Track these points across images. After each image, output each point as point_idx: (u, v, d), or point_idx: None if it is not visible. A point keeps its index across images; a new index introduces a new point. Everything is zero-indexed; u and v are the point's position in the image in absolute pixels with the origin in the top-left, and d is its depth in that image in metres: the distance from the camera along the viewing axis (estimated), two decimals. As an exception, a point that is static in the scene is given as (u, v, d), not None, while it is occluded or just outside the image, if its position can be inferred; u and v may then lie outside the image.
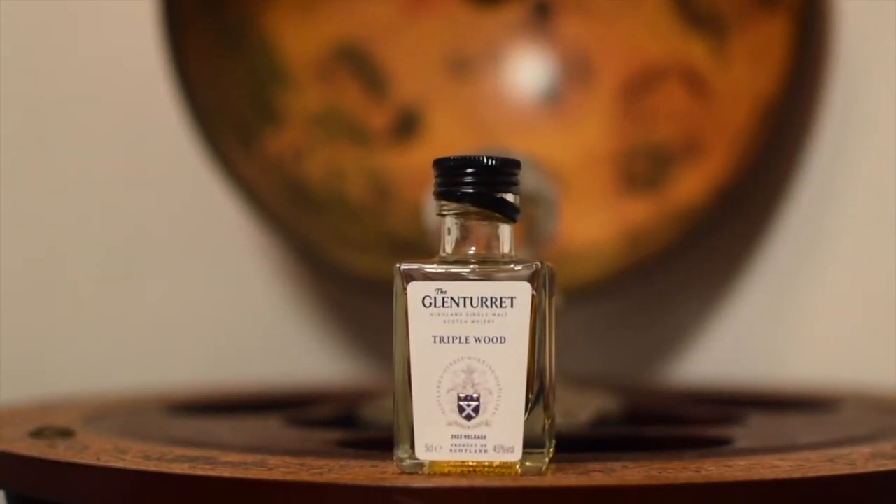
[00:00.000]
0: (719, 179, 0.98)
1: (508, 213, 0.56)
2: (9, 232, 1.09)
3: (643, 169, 1.02)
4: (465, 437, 0.55)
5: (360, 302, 1.08)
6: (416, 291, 0.55)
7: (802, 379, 0.98)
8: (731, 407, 0.84)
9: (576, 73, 1.05)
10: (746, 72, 0.99)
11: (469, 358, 0.55)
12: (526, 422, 0.55)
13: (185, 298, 1.13)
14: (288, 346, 1.14)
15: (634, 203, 1.01)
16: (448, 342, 0.55)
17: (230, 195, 1.01)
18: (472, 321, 0.55)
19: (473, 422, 0.55)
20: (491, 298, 0.55)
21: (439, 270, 0.55)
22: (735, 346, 1.03)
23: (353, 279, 1.01)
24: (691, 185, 1.00)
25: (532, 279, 0.55)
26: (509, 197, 0.56)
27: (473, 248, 0.56)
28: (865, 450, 0.63)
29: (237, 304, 1.14)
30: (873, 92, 0.97)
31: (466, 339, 0.55)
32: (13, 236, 1.09)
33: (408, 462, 0.55)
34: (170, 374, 1.09)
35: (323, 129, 1.05)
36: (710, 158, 0.99)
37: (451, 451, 0.55)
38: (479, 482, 0.53)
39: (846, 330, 0.98)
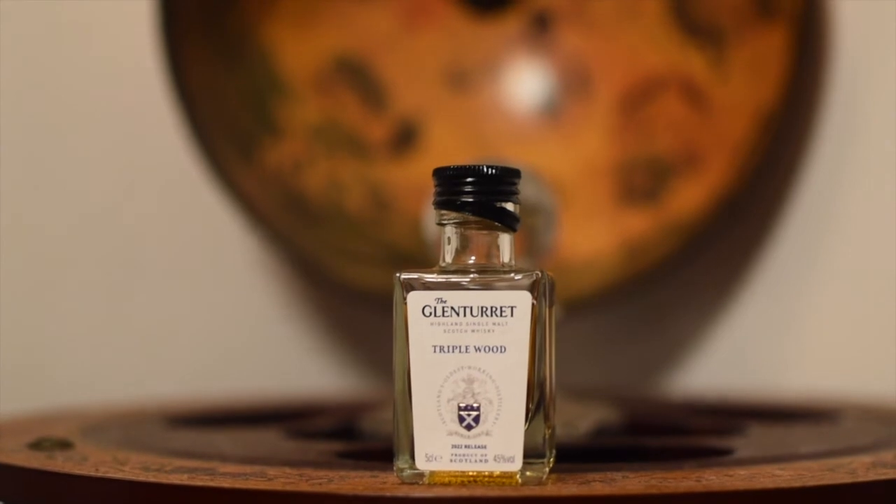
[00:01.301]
0: (718, 191, 0.98)
1: (508, 222, 0.56)
2: (6, 242, 1.09)
3: (642, 181, 1.02)
4: (466, 446, 0.55)
5: (360, 313, 1.08)
6: (416, 301, 0.55)
7: (803, 389, 0.98)
8: (731, 417, 0.83)
9: (575, 85, 1.05)
10: (745, 83, 0.99)
11: (469, 367, 0.55)
12: (526, 431, 0.54)
13: (184, 310, 1.12)
14: (287, 358, 1.14)
15: (634, 215, 1.01)
16: (448, 352, 0.55)
17: (229, 207, 1.01)
18: (473, 330, 0.55)
19: (474, 431, 0.55)
20: (491, 308, 0.55)
21: (439, 280, 0.55)
22: (735, 357, 1.03)
23: (352, 291, 1.01)
24: (690, 196, 0.99)
25: (532, 288, 0.55)
26: (509, 206, 0.56)
27: (473, 258, 0.56)
28: (866, 459, 0.63)
29: (236, 315, 1.13)
30: (872, 103, 0.97)
31: (466, 349, 0.55)
32: (11, 247, 1.09)
33: (408, 472, 0.55)
34: (168, 386, 1.09)
35: (322, 141, 1.05)
36: (709, 170, 0.99)
37: (451, 460, 0.55)
38: (479, 492, 0.53)
39: (846, 340, 0.98)
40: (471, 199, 0.55)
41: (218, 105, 1.02)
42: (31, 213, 1.10)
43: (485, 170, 0.56)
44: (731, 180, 0.97)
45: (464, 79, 1.06)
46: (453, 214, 0.56)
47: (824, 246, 0.99)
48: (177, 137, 1.02)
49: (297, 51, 1.05)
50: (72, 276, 1.11)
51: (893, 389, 0.93)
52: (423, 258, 0.83)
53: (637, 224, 1.01)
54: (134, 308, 1.12)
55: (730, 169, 0.98)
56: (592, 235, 1.01)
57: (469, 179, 0.55)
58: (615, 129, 1.04)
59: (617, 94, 1.04)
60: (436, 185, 0.56)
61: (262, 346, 1.14)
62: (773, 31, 0.97)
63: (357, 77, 1.06)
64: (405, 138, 1.06)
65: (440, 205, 0.56)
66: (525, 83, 1.06)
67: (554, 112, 1.05)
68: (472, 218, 0.56)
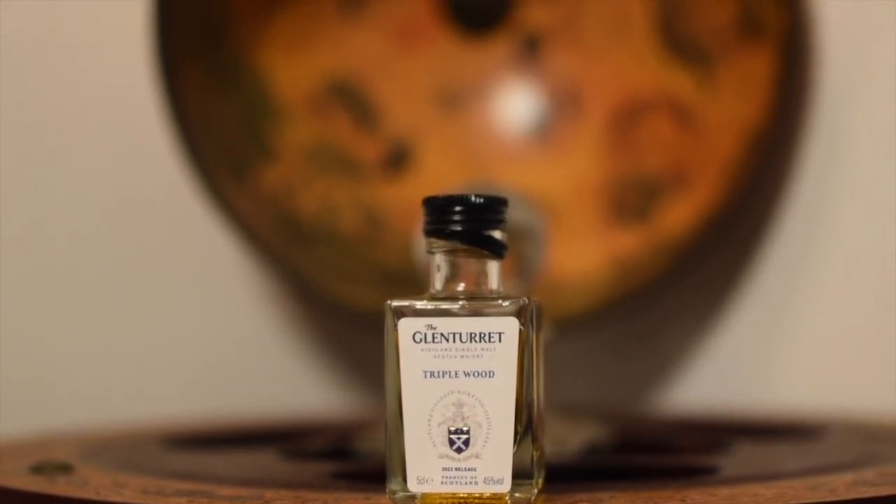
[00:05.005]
0: (707, 209, 0.99)
1: (496, 249, 0.57)
2: (3, 264, 1.10)
3: (632, 200, 1.03)
4: (456, 469, 0.56)
5: (354, 333, 1.09)
6: (406, 327, 0.56)
7: (790, 406, 0.98)
8: (718, 435, 0.84)
9: (565, 105, 1.06)
10: (733, 102, 1.00)
11: (459, 392, 0.56)
12: (515, 454, 0.55)
13: (180, 332, 1.13)
14: (282, 379, 1.14)
15: (624, 233, 1.02)
16: (438, 377, 0.56)
17: (224, 229, 1.02)
18: (462, 356, 0.56)
19: (463, 454, 0.56)
20: (479, 334, 0.56)
21: (429, 307, 0.56)
22: (725, 374, 1.04)
23: (346, 311, 1.02)
24: (680, 215, 1.00)
25: (519, 314, 0.56)
26: (496, 234, 0.57)
27: (462, 285, 0.57)
28: (847, 477, 0.64)
29: (231, 337, 1.14)
30: (858, 121, 0.98)
31: (456, 374, 0.56)
32: (7, 269, 1.10)
33: (400, 495, 0.56)
34: (163, 405, 1.09)
35: (316, 162, 1.05)
36: (697, 189, 1.00)
37: (442, 483, 0.56)
38: (469, 513, 0.54)
39: (833, 357, 0.99)
40: (459, 228, 0.57)
41: (212, 127, 1.03)
42: (27, 233, 1.11)
43: (472, 199, 0.57)
44: (720, 199, 0.98)
45: (455, 100, 1.07)
46: (442, 243, 0.57)
47: (812, 263, 1.00)
48: (171, 160, 1.03)
49: (290, 73, 1.06)
50: (67, 295, 1.12)
51: (878, 405, 0.94)
52: (417, 278, 0.84)
53: (627, 243, 1.02)
54: (128, 330, 1.12)
55: (718, 187, 0.99)
56: (583, 254, 1.02)
57: (457, 209, 0.57)
58: (605, 148, 1.05)
59: (606, 114, 1.05)
60: (425, 214, 0.57)
61: (257, 365, 1.14)
62: (760, 50, 0.98)
63: (350, 99, 1.07)
64: (398, 159, 1.07)
65: (430, 233, 0.57)
66: (515, 104, 1.07)
67: (544, 132, 1.06)
68: (460, 246, 0.57)
